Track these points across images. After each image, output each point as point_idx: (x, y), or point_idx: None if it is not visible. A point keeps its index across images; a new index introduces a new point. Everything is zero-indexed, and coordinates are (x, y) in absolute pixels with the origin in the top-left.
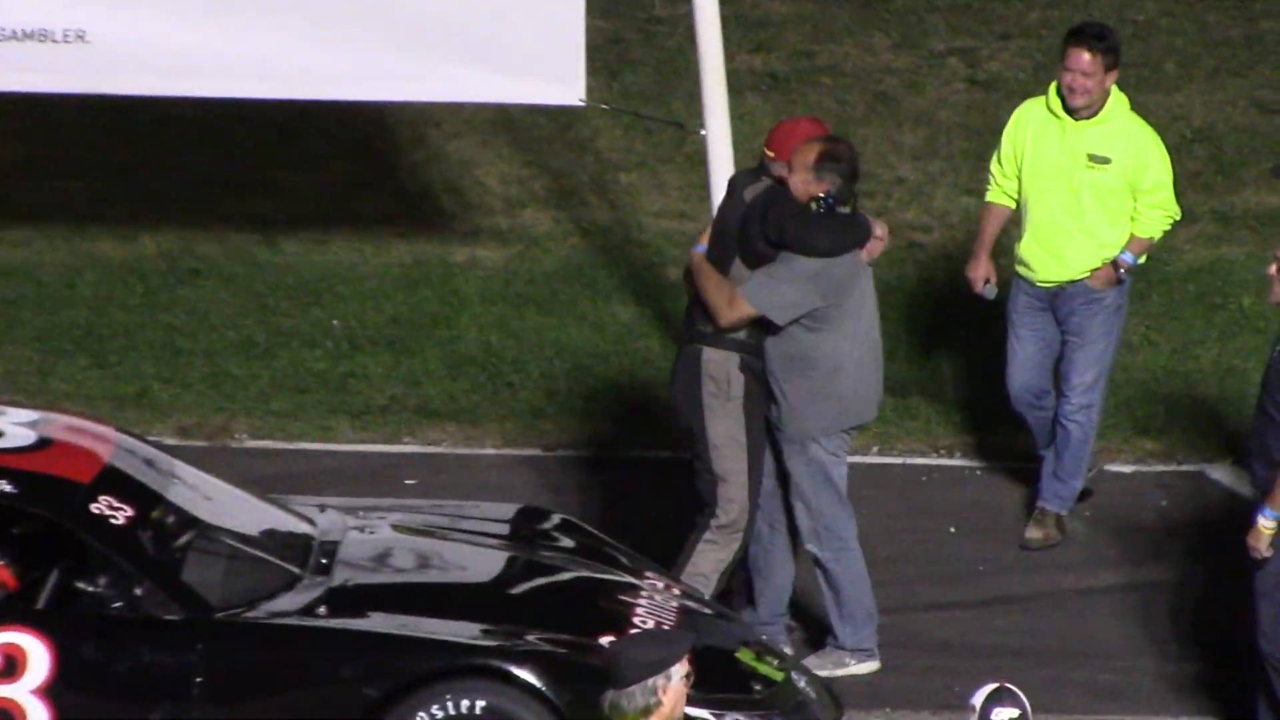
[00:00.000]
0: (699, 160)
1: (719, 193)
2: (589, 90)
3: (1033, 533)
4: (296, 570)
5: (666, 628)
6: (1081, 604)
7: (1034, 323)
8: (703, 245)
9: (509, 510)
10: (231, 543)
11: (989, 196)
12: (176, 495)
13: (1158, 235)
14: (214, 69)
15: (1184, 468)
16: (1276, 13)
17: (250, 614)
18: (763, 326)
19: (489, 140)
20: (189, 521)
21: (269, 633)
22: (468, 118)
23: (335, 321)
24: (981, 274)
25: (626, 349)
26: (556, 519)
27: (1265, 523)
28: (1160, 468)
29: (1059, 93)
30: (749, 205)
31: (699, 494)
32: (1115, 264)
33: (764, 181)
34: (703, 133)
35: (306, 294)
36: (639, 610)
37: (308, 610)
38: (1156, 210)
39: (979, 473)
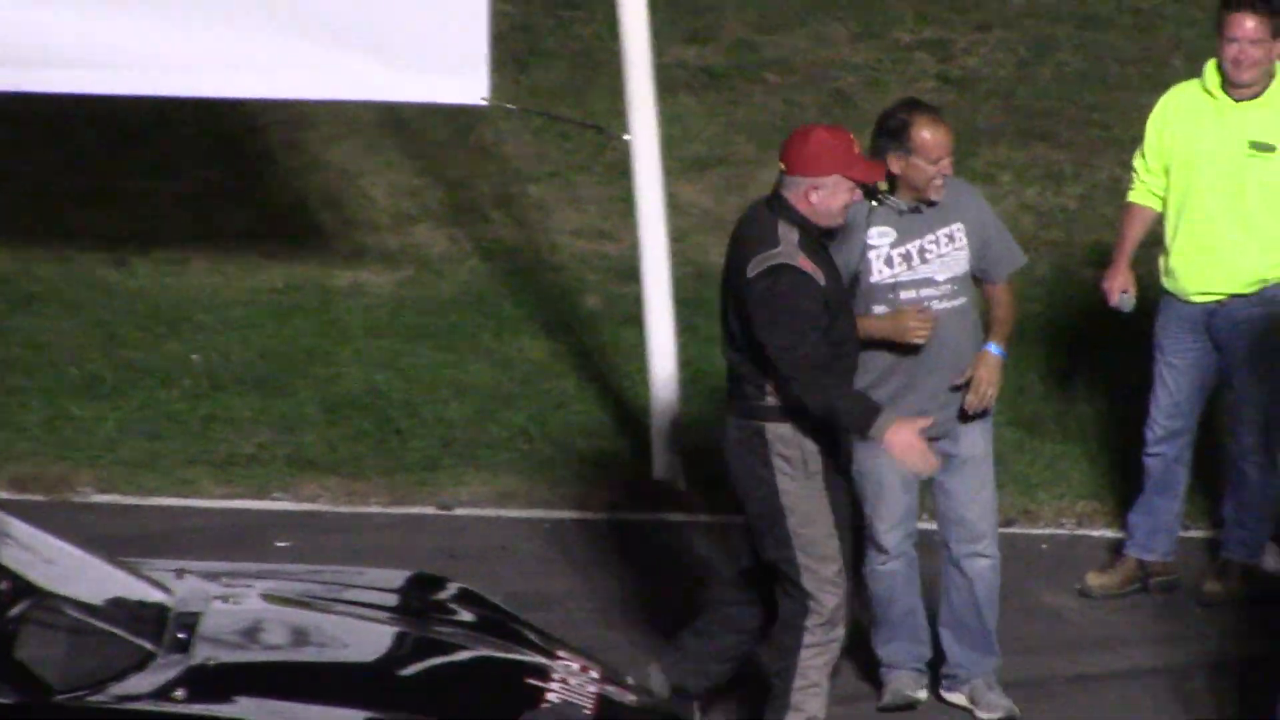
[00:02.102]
0: (622, 170)
1: (646, 206)
2: (493, 87)
3: (1212, 587)
4: (150, 646)
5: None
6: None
7: (1180, 349)
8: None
9: (398, 578)
10: (74, 614)
11: (1131, 196)
12: (9, 558)
13: None
14: (57, 60)
15: None
16: None
17: (95, 697)
18: None
19: (375, 145)
20: (23, 589)
21: (116, 719)
22: (350, 119)
23: (195, 356)
24: (1119, 284)
25: (537, 390)
26: (454, 589)
27: None
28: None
29: (1219, 69)
30: None
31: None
32: None
33: None
34: (627, 137)
35: (161, 324)
36: (550, 695)
37: (162, 693)
38: None
39: None
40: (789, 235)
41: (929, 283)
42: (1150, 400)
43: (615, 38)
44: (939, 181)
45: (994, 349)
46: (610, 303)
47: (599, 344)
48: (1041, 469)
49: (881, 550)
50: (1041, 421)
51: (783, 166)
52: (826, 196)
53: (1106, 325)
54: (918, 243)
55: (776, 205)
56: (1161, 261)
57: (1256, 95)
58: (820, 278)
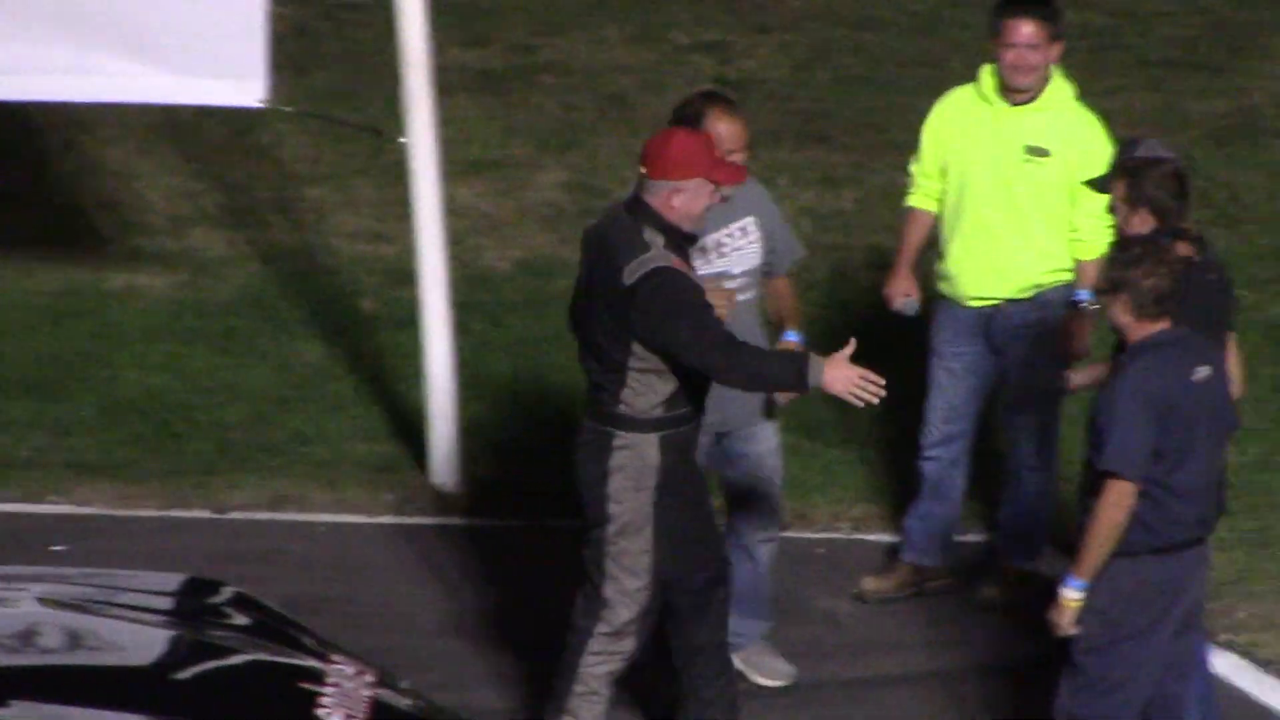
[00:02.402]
0: (399, 172)
1: (423, 209)
2: (271, 90)
3: (988, 591)
4: None
5: None
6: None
7: (957, 352)
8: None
9: (174, 582)
10: None
11: (909, 200)
12: None
13: (1102, 253)
14: None
15: None
16: (1079, 4)
17: None
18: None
19: (151, 148)
20: None
21: None
22: (127, 122)
23: None
24: (901, 289)
25: (314, 393)
26: (229, 593)
27: (1069, 595)
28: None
29: (996, 73)
30: None
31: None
32: (1078, 306)
33: None
34: (404, 140)
35: None
36: (324, 700)
37: None
38: (1099, 220)
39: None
40: (655, 240)
41: (726, 276)
42: (926, 404)
43: (393, 40)
44: None
45: (795, 336)
46: (387, 306)
47: (376, 347)
48: (817, 473)
49: None
50: (818, 425)
51: (644, 170)
52: (689, 200)
53: (884, 329)
54: (714, 237)
55: (639, 211)
56: (938, 266)
57: (1032, 100)
58: (693, 277)
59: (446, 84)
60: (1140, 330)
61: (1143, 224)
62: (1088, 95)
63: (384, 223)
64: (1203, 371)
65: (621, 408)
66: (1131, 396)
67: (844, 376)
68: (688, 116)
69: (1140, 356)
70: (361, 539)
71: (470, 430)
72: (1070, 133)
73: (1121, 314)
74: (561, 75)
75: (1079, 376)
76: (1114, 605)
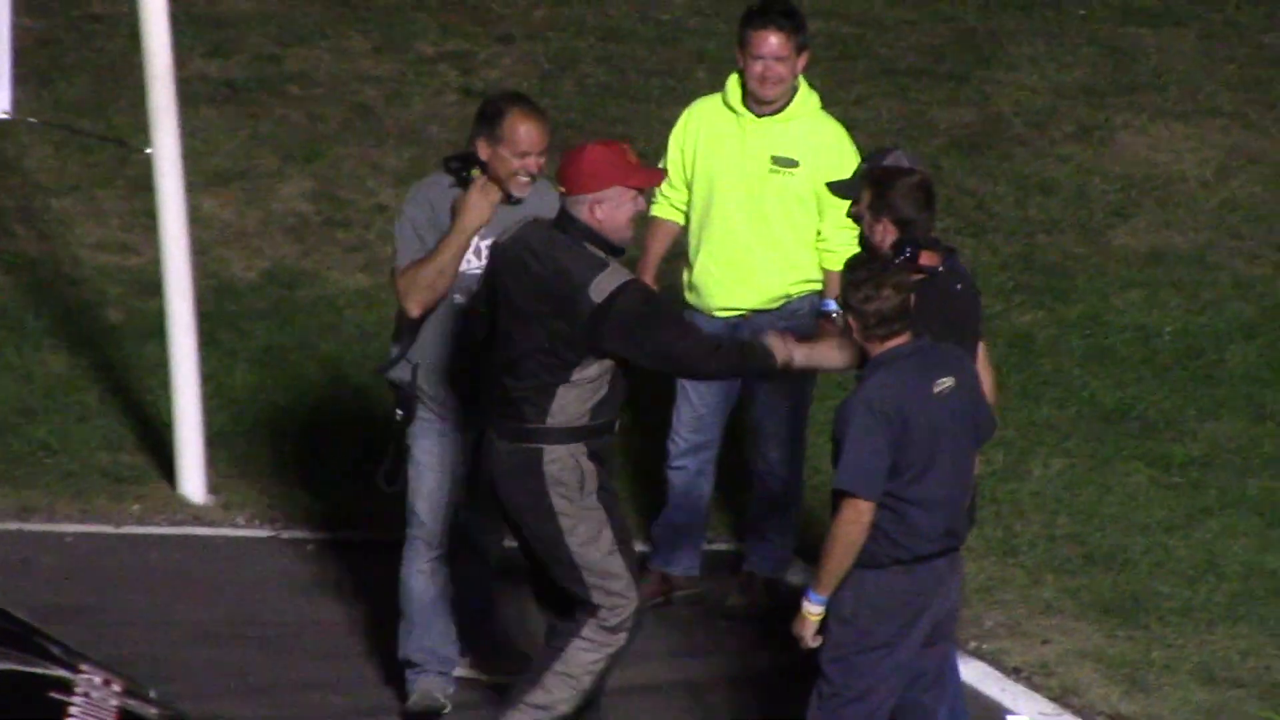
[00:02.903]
0: (144, 183)
1: (168, 219)
2: (15, 101)
3: (736, 599)
4: None
5: None
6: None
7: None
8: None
9: None
10: None
11: (654, 210)
12: None
13: None
14: None
15: None
16: (825, 13)
17: None
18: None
19: None
20: None
21: None
22: None
23: None
24: None
25: (59, 404)
26: None
27: (810, 609)
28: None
29: (741, 85)
30: None
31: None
32: (827, 316)
33: None
34: (149, 151)
35: None
36: (72, 710)
37: None
38: (846, 230)
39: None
40: (598, 252)
41: None
42: (674, 414)
43: (138, 51)
44: (523, 178)
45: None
46: (133, 316)
47: (122, 357)
48: None
49: (430, 547)
50: None
51: (562, 190)
52: (611, 209)
53: None
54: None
55: (570, 228)
56: (685, 276)
57: (779, 111)
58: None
59: (191, 95)
60: (875, 348)
61: (886, 233)
62: (834, 104)
63: (130, 233)
64: (945, 383)
65: (548, 421)
66: (865, 413)
67: (812, 353)
68: (486, 114)
69: (874, 372)
70: (109, 549)
71: (216, 440)
72: (817, 143)
73: (855, 334)
74: (306, 85)
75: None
76: (860, 615)
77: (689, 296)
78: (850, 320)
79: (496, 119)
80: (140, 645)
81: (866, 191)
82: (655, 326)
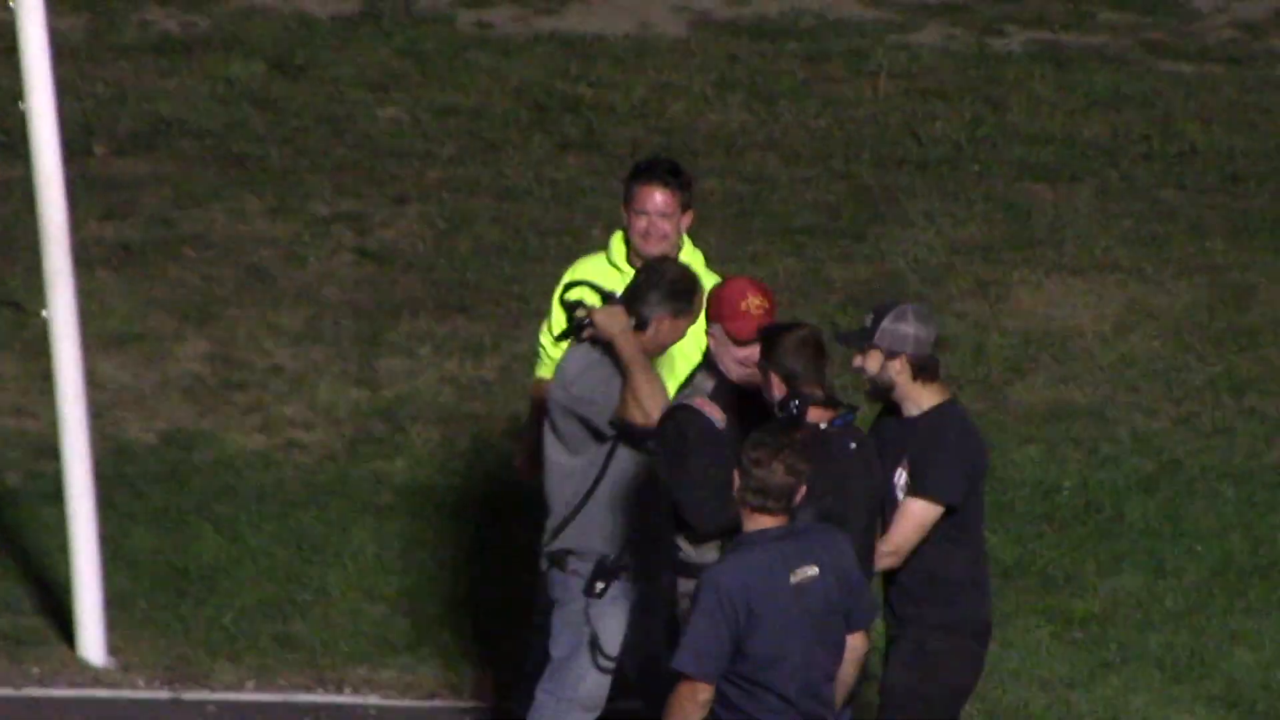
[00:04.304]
0: (41, 346)
1: (65, 382)
2: None
3: None
4: None
5: None
6: None
7: None
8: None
9: None
10: None
11: (539, 371)
12: None
13: None
14: None
15: None
16: (720, 172)
17: None
18: None
19: None
20: None
21: None
22: None
23: None
24: (531, 466)
25: None
26: None
27: None
28: None
29: (625, 241)
30: None
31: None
32: None
33: None
34: (45, 314)
35: None
36: None
37: None
38: None
39: (373, 711)
40: (707, 380)
41: None
42: None
43: (33, 214)
44: None
45: None
46: (30, 480)
47: (19, 520)
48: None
49: None
50: (398, 594)
51: None
52: (716, 345)
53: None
54: None
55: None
56: None
57: None
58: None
59: (86, 257)
60: (746, 518)
61: (776, 390)
62: (731, 262)
63: (27, 397)
64: (807, 572)
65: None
66: (711, 594)
67: None
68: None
69: (732, 553)
70: (9, 712)
71: (115, 602)
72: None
73: (734, 491)
74: (201, 247)
75: None
76: None
77: None
78: (736, 475)
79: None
80: None
81: (757, 346)
82: (681, 455)
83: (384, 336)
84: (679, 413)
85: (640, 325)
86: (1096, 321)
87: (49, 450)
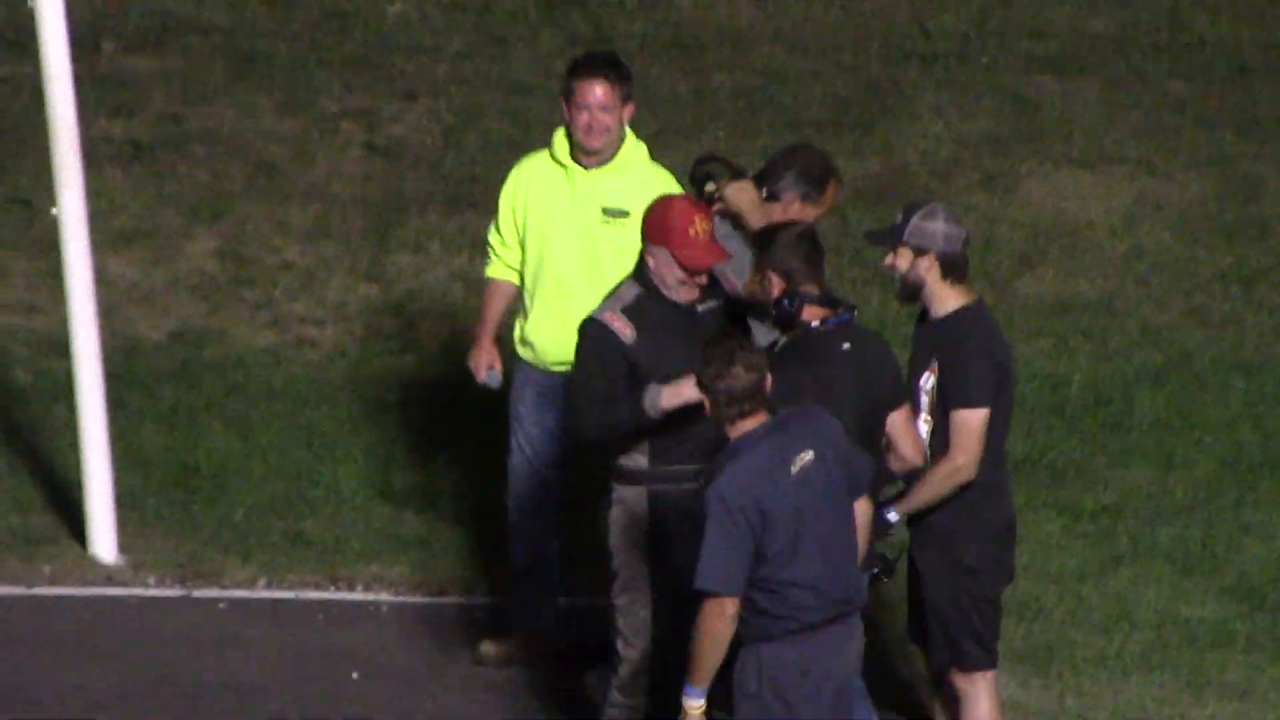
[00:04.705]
0: (50, 244)
1: (74, 280)
2: None
3: (488, 648)
4: None
5: None
6: None
7: (538, 418)
8: None
9: None
10: None
11: (488, 271)
12: None
13: None
14: None
15: None
16: (729, 66)
17: None
18: None
19: None
20: None
21: None
22: None
23: None
24: (485, 361)
25: None
26: None
27: (691, 703)
28: None
29: (568, 137)
30: None
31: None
32: None
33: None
34: (54, 212)
35: None
36: None
37: None
38: None
39: (384, 608)
40: (633, 287)
41: None
42: (509, 469)
43: (42, 112)
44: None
45: None
46: (40, 378)
47: (29, 419)
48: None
49: None
50: (402, 491)
51: None
52: (660, 266)
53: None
54: None
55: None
56: (517, 331)
57: (607, 162)
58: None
59: (95, 155)
60: (729, 430)
61: (774, 288)
62: (740, 156)
63: (36, 294)
64: (804, 459)
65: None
66: (720, 509)
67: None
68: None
69: (727, 463)
70: (21, 610)
71: (126, 501)
72: (647, 192)
73: (709, 414)
74: (210, 144)
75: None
76: (763, 690)
77: (521, 351)
78: (705, 399)
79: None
80: (53, 708)
81: (755, 247)
82: (578, 364)
83: (393, 232)
84: (588, 324)
85: (772, 197)
86: (1105, 214)
87: (59, 348)
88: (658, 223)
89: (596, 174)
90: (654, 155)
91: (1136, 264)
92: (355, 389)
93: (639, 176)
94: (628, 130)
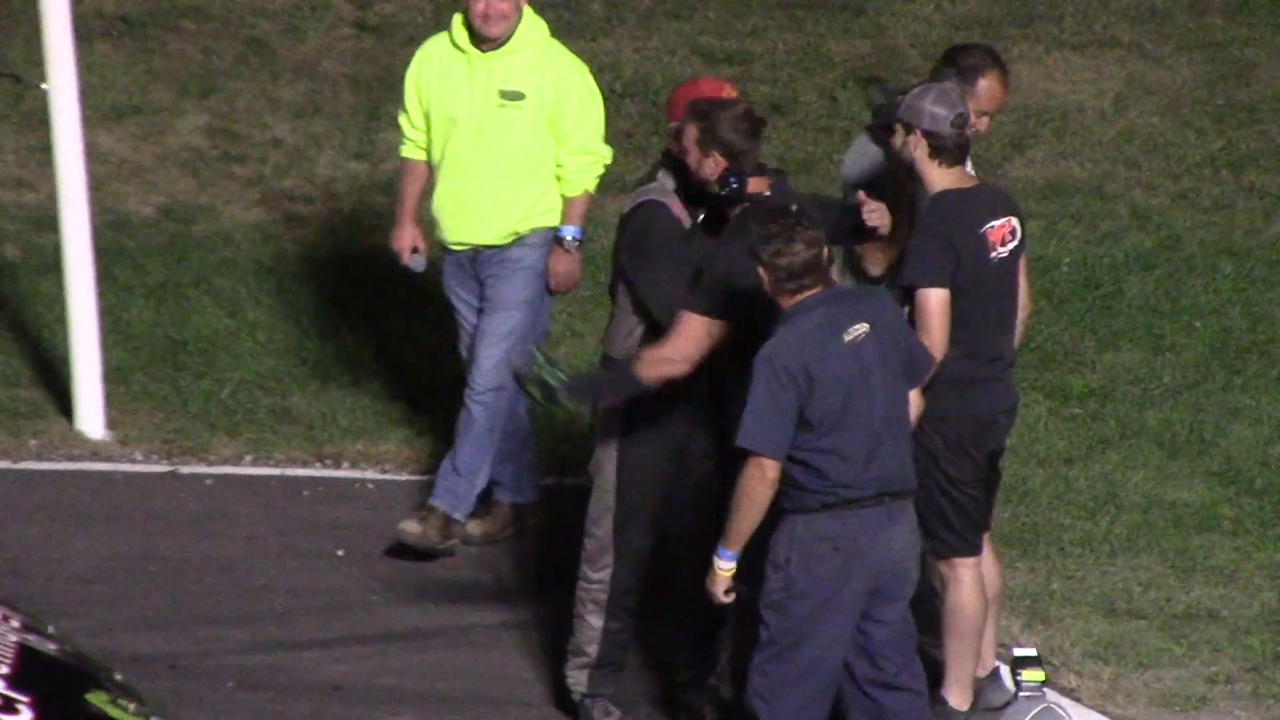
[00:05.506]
0: (40, 119)
1: (64, 155)
2: None
3: (409, 526)
4: None
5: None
6: (490, 639)
7: (466, 292)
8: None
9: None
10: None
11: (403, 152)
12: None
13: (592, 187)
14: None
15: None
16: None
17: None
18: None
19: None
20: None
21: None
22: None
23: None
24: (408, 243)
25: None
26: None
27: (721, 565)
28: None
29: (466, 23)
30: None
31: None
32: (560, 243)
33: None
34: (45, 86)
35: None
36: None
37: None
38: (581, 155)
39: (370, 486)
40: (665, 179)
41: None
42: (461, 348)
43: None
44: None
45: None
46: (29, 252)
47: (18, 293)
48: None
49: None
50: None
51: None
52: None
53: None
54: None
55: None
56: (431, 210)
57: (503, 44)
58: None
59: (86, 30)
60: (785, 301)
61: (716, 165)
62: (730, 37)
63: (25, 168)
64: (858, 330)
65: (605, 349)
66: (767, 370)
67: None
68: (965, 68)
69: (780, 327)
70: (7, 484)
71: (113, 376)
72: (544, 73)
73: (766, 286)
74: (201, 20)
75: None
76: (792, 560)
77: (435, 230)
78: (761, 273)
79: (974, 73)
80: (39, 581)
81: (692, 125)
82: (645, 260)
83: (383, 110)
84: (647, 205)
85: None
86: (1096, 97)
87: (48, 223)
88: (689, 98)
89: (492, 57)
90: (645, 36)
91: (1126, 147)
92: (344, 266)
93: (536, 57)
94: (527, 10)
